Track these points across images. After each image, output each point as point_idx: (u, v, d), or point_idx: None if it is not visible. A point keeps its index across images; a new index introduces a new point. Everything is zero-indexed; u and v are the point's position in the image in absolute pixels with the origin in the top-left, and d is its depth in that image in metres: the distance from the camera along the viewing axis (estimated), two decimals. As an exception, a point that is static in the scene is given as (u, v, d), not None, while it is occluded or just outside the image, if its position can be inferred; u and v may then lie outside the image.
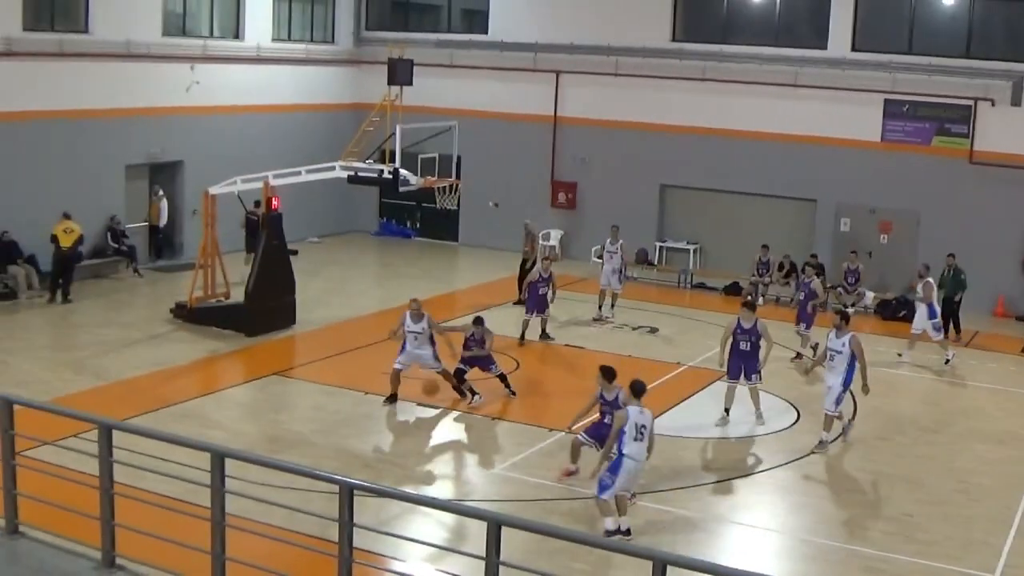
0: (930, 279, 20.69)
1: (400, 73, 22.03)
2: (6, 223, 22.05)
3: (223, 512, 7.78)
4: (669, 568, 6.32)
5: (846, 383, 15.14)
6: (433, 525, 12.14)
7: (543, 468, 14.06)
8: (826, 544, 12.46)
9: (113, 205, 24.43)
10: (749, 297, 21.77)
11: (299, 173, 21.23)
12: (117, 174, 24.72)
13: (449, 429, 15.90)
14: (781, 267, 25.25)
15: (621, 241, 22.59)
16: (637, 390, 12.27)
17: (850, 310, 23.67)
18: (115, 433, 8.25)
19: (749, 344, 15.97)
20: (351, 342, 19.85)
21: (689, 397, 17.44)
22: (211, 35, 26.94)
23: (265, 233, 20.50)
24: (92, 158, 23.80)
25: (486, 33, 29.69)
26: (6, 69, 21.95)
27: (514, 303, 22.99)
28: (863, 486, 14.22)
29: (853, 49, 25.66)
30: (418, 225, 31.34)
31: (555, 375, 19.10)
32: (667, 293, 25.88)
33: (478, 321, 16.78)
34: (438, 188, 21.38)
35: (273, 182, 20.61)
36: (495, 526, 6.87)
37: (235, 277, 21.99)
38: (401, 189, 20.73)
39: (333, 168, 21.01)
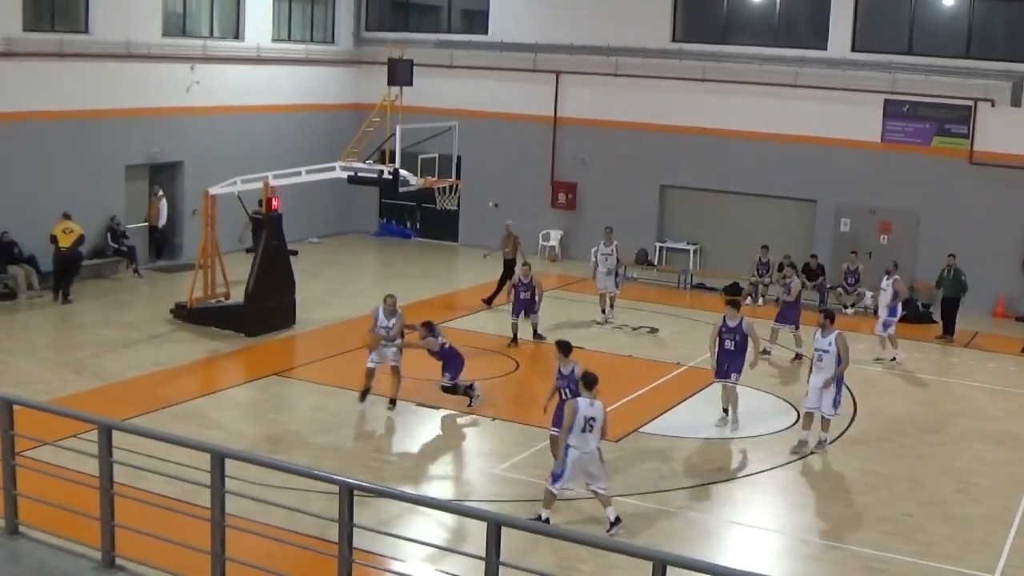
0: (898, 277, 20.64)
1: (400, 73, 22.03)
2: (6, 223, 22.05)
3: (223, 512, 7.78)
4: (669, 568, 6.33)
5: (838, 383, 15.06)
6: (433, 525, 12.14)
7: (543, 468, 14.04)
8: (826, 544, 12.47)
9: (113, 205, 24.43)
10: (752, 297, 21.78)
11: (299, 173, 21.23)
12: (117, 174, 24.72)
13: (449, 429, 15.89)
14: (781, 267, 25.22)
15: (615, 243, 22.49)
16: (588, 382, 12.26)
17: (850, 311, 23.84)
18: (115, 433, 8.24)
19: (734, 343, 15.91)
20: (351, 342, 19.78)
21: (689, 397, 17.44)
22: (211, 35, 26.94)
23: (265, 233, 20.50)
24: (92, 158, 23.81)
25: (486, 33, 29.70)
26: (6, 69, 21.95)
27: (483, 300, 22.92)
28: (863, 486, 14.21)
29: (853, 49, 25.67)
30: (418, 225, 31.34)
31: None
32: (667, 293, 25.88)
33: (425, 325, 16.26)
34: (438, 188, 21.37)
35: (273, 182, 20.61)
36: (495, 526, 6.87)
37: (237, 276, 21.95)
38: (401, 189, 20.73)
39: (333, 168, 21.02)
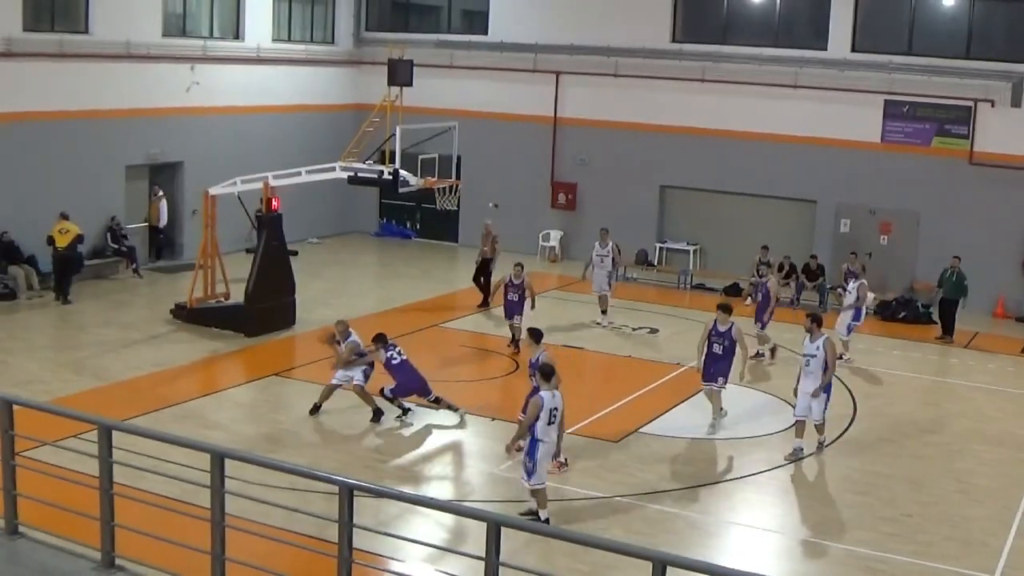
0: (864, 281, 20.60)
1: (400, 74, 22.04)
2: (6, 223, 22.06)
3: (223, 512, 7.79)
4: (669, 569, 6.33)
5: (827, 389, 14.85)
6: (432, 526, 12.15)
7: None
8: (825, 544, 12.47)
9: (113, 206, 24.44)
10: (752, 298, 21.73)
11: (299, 174, 21.23)
12: (117, 174, 24.72)
13: (448, 430, 15.89)
14: (781, 268, 25.25)
15: (611, 244, 22.31)
16: (546, 373, 12.31)
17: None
18: (115, 434, 8.25)
19: (722, 347, 15.86)
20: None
21: (689, 398, 17.41)
22: (211, 36, 26.94)
23: (265, 234, 20.51)
24: (92, 159, 23.81)
25: (486, 34, 29.70)
26: (6, 69, 21.96)
27: (478, 306, 22.75)
28: (862, 487, 14.21)
29: (853, 50, 25.67)
30: (418, 226, 31.34)
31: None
32: (667, 294, 25.88)
33: (378, 338, 15.90)
34: (438, 189, 21.39)
35: (273, 183, 20.62)
36: (495, 527, 6.88)
37: (237, 277, 21.95)
38: (401, 190, 20.74)
39: (333, 169, 21.02)
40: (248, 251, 23.37)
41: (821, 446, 15.13)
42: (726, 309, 16.11)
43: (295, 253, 23.56)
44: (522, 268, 20.01)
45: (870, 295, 24.43)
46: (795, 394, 15.11)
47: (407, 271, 27.03)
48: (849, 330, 20.26)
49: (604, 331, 21.75)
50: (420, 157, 21.36)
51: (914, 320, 23.69)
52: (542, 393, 12.14)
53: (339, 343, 15.93)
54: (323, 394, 15.93)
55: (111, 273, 24.40)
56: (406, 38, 28.67)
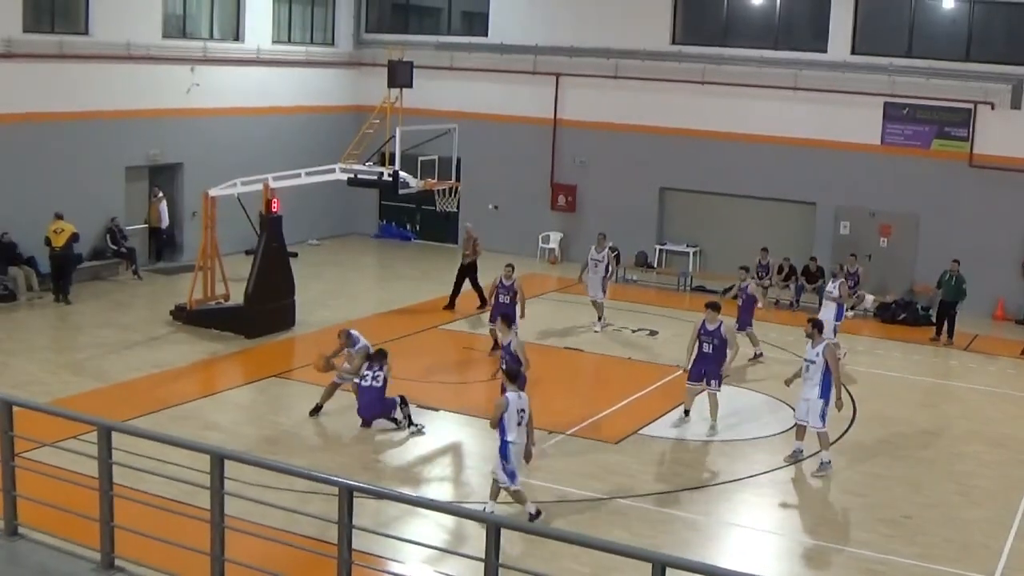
0: (843, 281, 20.58)
1: (400, 75, 22.05)
2: (6, 224, 22.06)
3: (222, 514, 7.79)
4: (669, 570, 6.33)
5: (825, 395, 14.44)
6: (432, 527, 12.14)
7: (542, 470, 14.06)
8: (825, 546, 12.47)
9: (113, 207, 24.45)
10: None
11: (299, 175, 21.23)
12: (117, 176, 24.73)
13: (448, 431, 15.89)
14: (781, 270, 25.26)
15: (607, 249, 22.15)
16: (511, 375, 12.33)
17: (849, 313, 23.69)
18: (114, 435, 8.25)
19: (712, 347, 15.81)
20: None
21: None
22: (211, 37, 26.95)
23: (264, 235, 20.51)
24: (92, 160, 23.81)
25: (486, 35, 29.70)
26: (6, 70, 21.97)
27: (477, 307, 22.53)
28: (862, 488, 14.20)
29: (853, 52, 25.68)
30: (418, 227, 31.35)
31: (553, 377, 19.05)
32: (667, 296, 25.87)
33: (378, 354, 15.63)
34: (438, 191, 21.40)
35: (273, 184, 20.61)
36: (494, 528, 6.88)
37: (237, 278, 21.96)
38: (401, 192, 20.73)
39: (333, 170, 21.02)
40: (248, 252, 23.38)
41: (824, 468, 14.46)
42: (715, 307, 16.03)
43: (295, 255, 23.55)
44: (513, 269, 19.48)
45: (869, 297, 24.52)
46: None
47: (407, 272, 27.03)
48: (835, 331, 20.16)
49: (604, 332, 21.73)
50: (420, 159, 21.37)
51: (914, 322, 23.69)
52: (507, 394, 12.17)
53: (346, 350, 15.90)
54: (325, 394, 15.93)
55: (111, 274, 24.40)
56: (406, 39, 28.71)
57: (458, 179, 22.10)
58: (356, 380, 15.60)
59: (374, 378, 15.35)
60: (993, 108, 24.38)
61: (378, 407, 15.35)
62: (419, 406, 16.36)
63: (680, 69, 27.15)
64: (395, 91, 21.91)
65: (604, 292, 22.10)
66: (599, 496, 13.34)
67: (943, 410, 18.13)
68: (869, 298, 24.50)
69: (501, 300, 19.10)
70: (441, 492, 13.86)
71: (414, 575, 11.17)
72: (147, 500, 9.38)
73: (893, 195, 25.47)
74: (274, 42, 28.54)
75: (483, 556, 6.87)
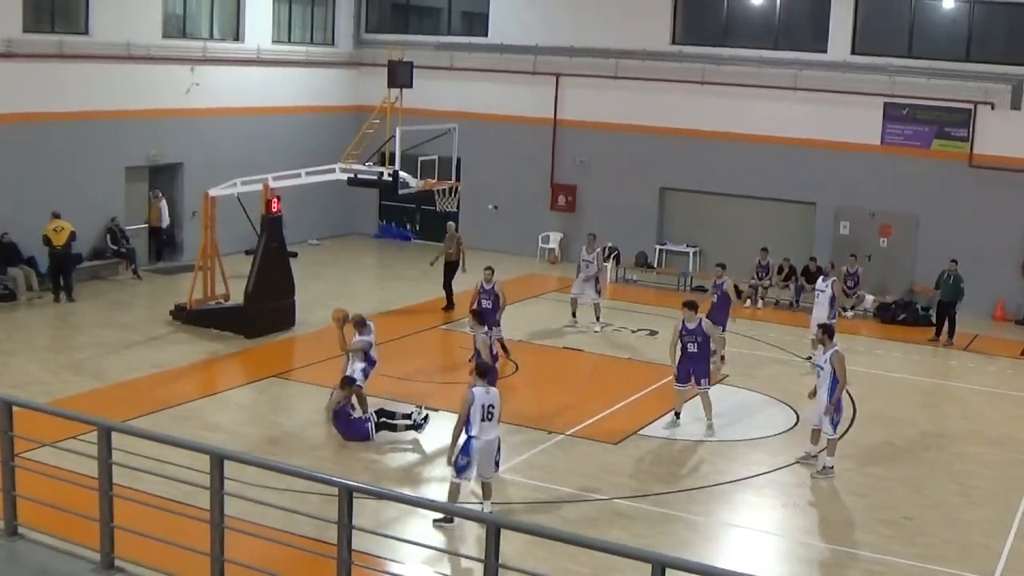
0: (835, 279, 20.56)
1: (400, 75, 22.06)
2: (6, 224, 22.06)
3: (222, 514, 7.79)
4: (668, 570, 6.33)
5: (837, 403, 14.32)
6: (431, 527, 12.14)
7: (542, 470, 14.07)
8: (825, 547, 12.47)
9: (113, 207, 24.45)
10: (752, 300, 21.68)
11: (299, 175, 21.24)
12: (117, 176, 24.73)
13: (448, 431, 15.84)
14: (780, 270, 25.27)
15: (597, 250, 22.04)
16: (481, 371, 12.34)
17: (849, 313, 23.81)
18: (114, 435, 8.25)
19: (696, 346, 15.75)
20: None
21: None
22: (211, 37, 26.95)
23: (264, 235, 20.51)
24: (92, 160, 23.81)
25: (486, 35, 29.70)
26: (6, 70, 21.97)
27: (443, 308, 22.63)
28: (862, 489, 14.20)
29: (853, 52, 25.68)
30: (417, 227, 31.34)
31: (553, 378, 19.09)
32: (666, 296, 25.83)
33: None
34: (438, 191, 21.40)
35: (273, 184, 20.62)
36: (494, 528, 6.88)
37: (237, 278, 21.96)
38: (401, 191, 20.75)
39: (333, 170, 21.03)
40: (248, 252, 23.37)
41: (826, 471, 14.39)
42: (691, 306, 15.89)
43: (295, 254, 23.55)
44: (492, 272, 19.02)
45: (869, 297, 24.53)
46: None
47: (407, 273, 27.00)
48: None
49: (604, 333, 21.72)
50: (420, 159, 21.37)
51: (914, 322, 23.69)
52: (474, 389, 12.13)
53: (350, 326, 15.87)
54: (360, 402, 15.56)
55: (110, 274, 24.41)
56: (406, 40, 28.71)
57: (458, 179, 22.10)
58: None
59: (346, 404, 15.15)
60: (993, 108, 24.38)
61: (351, 430, 15.06)
62: (418, 405, 16.38)
63: (680, 69, 27.15)
64: (395, 91, 21.91)
65: (598, 293, 22.00)
66: (598, 496, 13.34)
67: (943, 410, 18.13)
68: (869, 298, 24.51)
69: (484, 305, 18.38)
70: (441, 492, 13.83)
71: (413, 575, 11.17)
72: (147, 500, 9.38)
73: (893, 195, 25.47)
74: (274, 42, 28.54)
75: (483, 556, 6.87)
